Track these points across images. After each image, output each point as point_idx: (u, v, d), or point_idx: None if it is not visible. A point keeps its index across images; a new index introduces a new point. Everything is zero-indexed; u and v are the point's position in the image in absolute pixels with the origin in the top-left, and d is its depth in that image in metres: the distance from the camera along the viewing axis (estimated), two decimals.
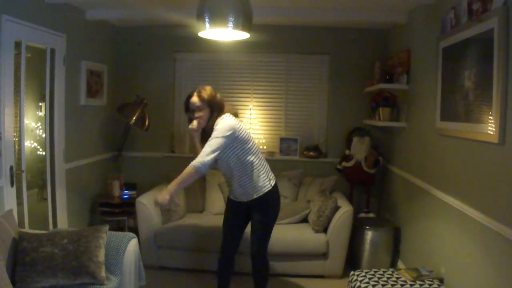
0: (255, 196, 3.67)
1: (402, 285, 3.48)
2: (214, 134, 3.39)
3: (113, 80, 5.82)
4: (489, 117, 2.88)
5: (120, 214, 5.26)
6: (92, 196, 5.41)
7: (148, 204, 4.75)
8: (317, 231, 4.70)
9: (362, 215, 5.40)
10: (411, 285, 3.48)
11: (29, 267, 3.12)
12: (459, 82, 3.36)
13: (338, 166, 5.64)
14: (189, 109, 3.56)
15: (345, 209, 4.67)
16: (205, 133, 3.55)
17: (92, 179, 5.43)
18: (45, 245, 3.19)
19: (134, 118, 5.27)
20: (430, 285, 3.46)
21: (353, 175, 5.53)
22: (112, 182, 5.40)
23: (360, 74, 5.74)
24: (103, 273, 3.18)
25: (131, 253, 3.42)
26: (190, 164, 3.35)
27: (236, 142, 3.47)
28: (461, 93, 3.32)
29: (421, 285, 3.47)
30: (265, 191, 3.68)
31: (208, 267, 4.69)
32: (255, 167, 3.62)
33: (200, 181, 5.45)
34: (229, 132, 3.39)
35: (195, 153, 3.52)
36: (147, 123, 5.42)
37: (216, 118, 3.52)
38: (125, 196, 5.41)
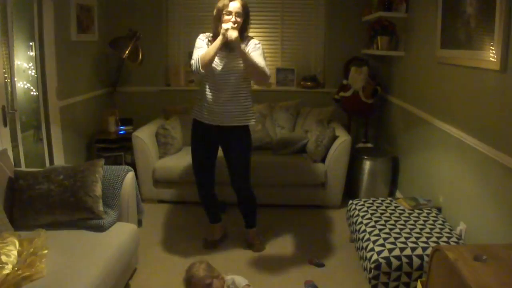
0: (240, 123, 3.54)
1: (400, 213, 3.53)
2: (259, 49, 3.49)
3: (104, 14, 5.63)
4: (491, 43, 2.81)
5: (117, 149, 5.25)
6: (88, 133, 5.36)
7: (145, 138, 4.73)
8: (315, 161, 4.71)
9: (360, 145, 5.41)
10: (409, 213, 3.53)
11: (26, 205, 3.12)
12: (460, 8, 3.26)
13: (336, 96, 5.59)
14: (229, 13, 3.34)
15: (343, 139, 4.65)
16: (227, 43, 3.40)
17: (87, 116, 5.36)
18: (41, 182, 3.17)
19: (127, 52, 5.16)
20: (428, 214, 3.52)
21: (350, 105, 5.49)
22: (107, 118, 5.35)
23: (358, 2, 5.58)
24: (100, 207, 3.17)
25: (128, 186, 3.39)
26: (265, 69, 3.43)
27: None
28: (462, 20, 3.23)
29: (419, 213, 3.52)
30: (250, 123, 3.62)
31: None
32: (249, 93, 3.59)
33: None
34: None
35: (205, 60, 3.31)
36: (140, 56, 5.32)
37: (246, 31, 3.53)
38: (122, 132, 5.38)
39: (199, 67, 3.33)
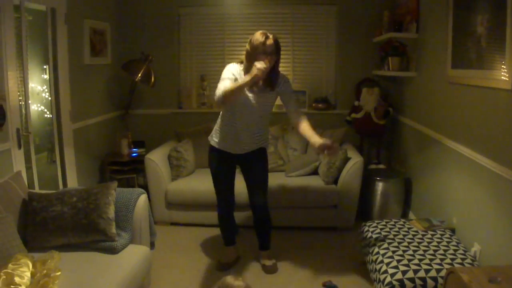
0: (260, 146, 3.73)
1: (414, 235, 3.49)
2: (293, 94, 3.74)
3: (116, 38, 5.73)
4: (502, 63, 2.81)
5: (130, 172, 5.28)
6: (101, 155, 5.41)
7: (157, 161, 4.76)
8: (327, 183, 4.70)
9: (373, 166, 5.39)
10: (423, 235, 3.49)
11: (39, 226, 3.14)
12: (471, 28, 3.26)
13: (348, 118, 5.60)
14: (263, 52, 3.33)
15: (355, 160, 4.65)
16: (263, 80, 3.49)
17: (100, 138, 5.42)
18: (54, 205, 3.20)
19: (139, 74, 5.22)
20: (442, 235, 3.47)
21: (362, 127, 5.49)
22: (120, 141, 5.40)
23: (368, 23, 5.61)
24: (113, 230, 3.18)
25: (140, 209, 3.41)
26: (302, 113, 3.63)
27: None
28: (473, 40, 3.24)
29: (432, 235, 3.48)
30: (267, 143, 3.82)
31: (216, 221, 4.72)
32: (269, 118, 3.74)
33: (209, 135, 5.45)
34: None
35: (229, 96, 3.29)
36: (152, 79, 5.37)
37: (278, 68, 3.57)
38: (134, 154, 5.41)
39: (221, 100, 3.32)
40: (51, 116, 4.63)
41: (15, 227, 2.99)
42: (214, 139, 3.75)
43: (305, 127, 3.49)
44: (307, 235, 4.62)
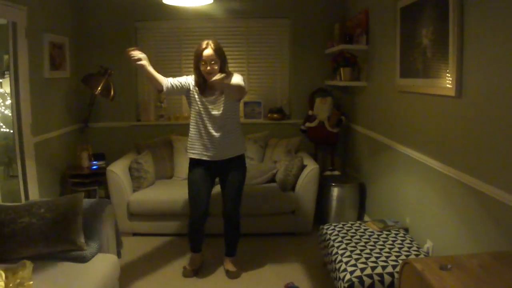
0: (236, 154, 3.86)
1: (370, 235, 3.68)
2: (239, 76, 3.69)
3: (75, 52, 5.75)
4: (447, 71, 3.03)
5: (91, 184, 5.29)
6: (62, 168, 5.39)
7: (119, 172, 4.80)
8: (285, 190, 4.85)
9: (328, 173, 5.58)
10: (378, 235, 3.67)
11: (8, 238, 3.13)
12: (417, 40, 3.50)
13: (302, 127, 5.79)
14: (203, 62, 3.61)
15: (311, 167, 4.83)
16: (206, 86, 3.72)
17: (61, 151, 5.41)
18: (23, 216, 3.19)
19: (99, 88, 5.25)
20: (396, 234, 3.67)
21: (317, 135, 5.69)
22: (80, 154, 5.40)
23: (320, 36, 5.84)
24: (82, 239, 3.21)
25: (107, 218, 3.46)
26: (243, 86, 3.62)
27: None
28: (419, 51, 3.47)
29: (387, 234, 3.67)
30: (244, 151, 3.96)
31: (181, 231, 4.82)
32: (240, 126, 3.91)
33: (168, 147, 5.53)
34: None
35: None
36: (112, 92, 5.41)
37: (225, 69, 3.72)
38: (94, 167, 5.41)
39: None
40: (7, 130, 4.60)
41: None
42: (188, 150, 3.91)
43: None
44: (267, 241, 4.74)
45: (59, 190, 5.30)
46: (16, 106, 4.52)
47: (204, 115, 3.74)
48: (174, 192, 4.86)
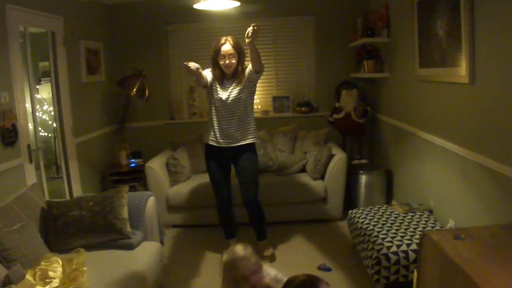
0: (248, 141, 4.10)
1: (395, 217, 3.92)
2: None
3: (109, 56, 6.09)
4: (460, 60, 3.25)
5: (130, 181, 5.61)
6: (101, 167, 5.75)
7: (157, 168, 5.13)
8: (315, 179, 5.11)
9: (356, 161, 5.79)
10: (404, 216, 3.91)
11: (60, 230, 3.47)
12: (433, 31, 3.72)
13: (330, 119, 6.03)
14: (222, 56, 3.92)
15: (339, 156, 5.08)
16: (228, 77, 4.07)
17: (100, 151, 5.76)
18: (73, 210, 3.53)
19: (134, 89, 5.57)
20: (420, 215, 3.90)
21: (344, 126, 5.93)
22: (119, 152, 5.74)
23: (344, 30, 6.06)
24: (128, 228, 3.53)
25: (150, 209, 3.78)
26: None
27: (255, 85, 4.13)
28: (436, 41, 3.69)
29: (412, 216, 3.91)
30: (256, 139, 4.18)
31: (216, 221, 5.09)
32: (253, 113, 4.16)
33: (202, 143, 5.78)
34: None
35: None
36: (147, 93, 5.73)
37: (243, 65, 4.03)
38: (132, 165, 5.76)
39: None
40: (45, 134, 4.90)
41: (38, 232, 3.31)
42: (205, 136, 4.20)
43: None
44: (299, 228, 4.99)
45: (100, 188, 5.65)
46: (58, 110, 4.87)
47: (220, 105, 4.03)
48: (210, 185, 5.14)
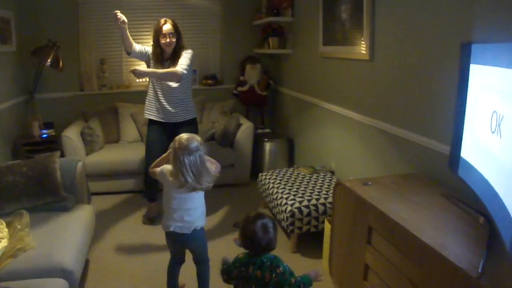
0: (189, 117, 4.43)
1: (302, 177, 4.44)
2: (186, 55, 4.25)
3: (20, 26, 5.98)
4: (362, 40, 3.81)
5: (44, 151, 5.63)
6: (13, 138, 5.72)
7: (73, 137, 5.26)
8: (224, 146, 5.54)
9: (259, 131, 6.29)
10: (309, 177, 4.44)
11: None
12: (337, 14, 4.26)
13: (235, 91, 6.47)
14: (162, 34, 4.19)
15: (246, 125, 5.55)
16: (167, 57, 4.31)
17: (11, 122, 5.69)
18: (6, 175, 3.57)
19: (49, 60, 5.60)
20: (324, 175, 4.46)
21: (248, 98, 6.40)
22: (31, 123, 5.73)
23: (249, 9, 6.49)
24: (62, 192, 3.67)
25: (80, 174, 3.93)
26: (175, 69, 4.13)
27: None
28: (339, 23, 4.23)
29: (317, 176, 4.45)
30: (194, 116, 4.53)
31: (134, 188, 5.43)
32: (190, 94, 4.49)
33: (114, 114, 6.00)
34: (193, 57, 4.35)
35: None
36: (61, 64, 5.77)
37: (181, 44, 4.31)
38: (45, 135, 5.75)
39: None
40: None
41: None
42: (146, 112, 4.46)
43: None
44: (211, 193, 5.35)
45: (12, 159, 5.59)
46: None
47: (157, 83, 4.33)
48: (125, 153, 5.41)
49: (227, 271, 2.46)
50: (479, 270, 1.80)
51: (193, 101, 4.58)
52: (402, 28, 3.27)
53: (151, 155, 4.34)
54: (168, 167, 2.95)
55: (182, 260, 3.20)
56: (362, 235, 2.69)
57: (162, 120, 4.42)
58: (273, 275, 2.29)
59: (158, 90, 4.34)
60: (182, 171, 2.77)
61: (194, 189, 2.84)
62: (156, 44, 4.27)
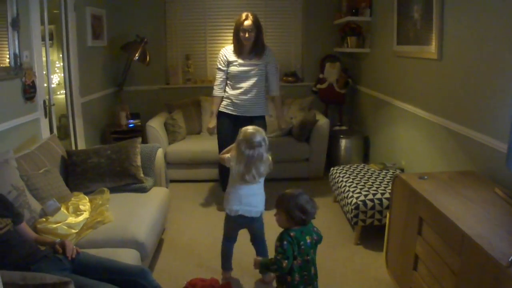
0: (258, 114, 4.65)
1: (372, 173, 4.54)
2: (274, 71, 4.71)
3: (111, 23, 6.48)
4: (431, 40, 3.86)
5: (129, 139, 6.08)
6: (102, 126, 6.21)
7: (156, 127, 5.65)
8: (300, 141, 5.71)
9: (336, 128, 6.41)
10: (379, 173, 4.54)
11: (80, 175, 3.89)
12: (410, 14, 4.32)
13: (314, 89, 6.63)
14: (243, 29, 4.40)
15: (323, 121, 5.70)
16: (247, 51, 4.56)
17: (102, 111, 6.20)
18: (92, 157, 3.97)
19: (137, 54, 6.03)
20: (393, 172, 4.53)
21: (326, 96, 6.53)
22: (119, 113, 6.20)
23: (330, 8, 6.63)
24: (142, 174, 4.03)
25: (159, 159, 4.31)
26: (278, 99, 4.92)
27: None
28: (412, 23, 4.29)
29: (386, 172, 4.54)
30: (266, 114, 4.77)
31: (212, 177, 5.70)
32: (264, 92, 4.71)
33: (196, 107, 6.35)
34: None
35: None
36: (148, 58, 6.20)
37: (262, 40, 4.57)
38: (131, 125, 6.21)
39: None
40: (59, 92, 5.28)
41: (60, 176, 3.73)
42: (223, 105, 4.70)
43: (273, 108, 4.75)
44: (285, 185, 5.54)
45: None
46: (68, 70, 5.24)
47: (239, 73, 4.54)
48: (204, 144, 5.73)
49: (285, 256, 2.62)
50: (510, 259, 1.88)
51: (267, 100, 4.78)
52: (470, 29, 3.31)
53: (223, 144, 4.60)
54: (234, 154, 3.17)
55: (236, 240, 3.49)
56: (413, 226, 2.79)
57: (233, 113, 4.63)
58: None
59: (235, 85, 4.57)
60: (241, 162, 3.05)
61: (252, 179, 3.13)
62: (236, 38, 4.49)
